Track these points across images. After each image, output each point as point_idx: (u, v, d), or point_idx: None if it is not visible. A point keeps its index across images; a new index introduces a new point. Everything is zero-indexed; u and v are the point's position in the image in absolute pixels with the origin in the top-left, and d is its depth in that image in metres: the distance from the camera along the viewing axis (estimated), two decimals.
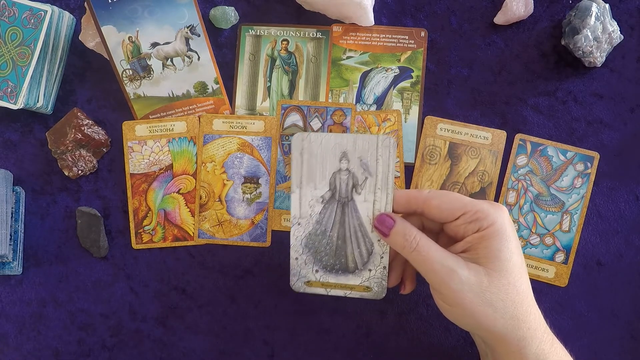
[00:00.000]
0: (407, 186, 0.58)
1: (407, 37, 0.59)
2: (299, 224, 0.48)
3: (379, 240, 0.47)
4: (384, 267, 0.48)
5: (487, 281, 0.42)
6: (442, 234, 0.48)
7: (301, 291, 0.49)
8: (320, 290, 0.49)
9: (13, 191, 0.58)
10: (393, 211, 0.47)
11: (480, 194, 0.58)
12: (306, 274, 0.49)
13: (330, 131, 0.58)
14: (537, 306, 0.45)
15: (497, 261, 0.43)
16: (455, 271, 0.42)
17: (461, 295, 0.42)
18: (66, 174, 0.58)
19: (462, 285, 0.42)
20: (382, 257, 0.48)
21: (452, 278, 0.42)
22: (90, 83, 0.60)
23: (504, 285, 0.42)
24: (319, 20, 0.59)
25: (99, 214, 0.58)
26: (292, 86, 0.59)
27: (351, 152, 0.46)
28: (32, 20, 0.54)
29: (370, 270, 0.48)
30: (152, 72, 0.58)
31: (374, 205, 0.46)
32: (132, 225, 0.58)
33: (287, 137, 0.58)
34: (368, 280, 0.48)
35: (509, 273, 0.43)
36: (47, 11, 0.54)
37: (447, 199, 0.45)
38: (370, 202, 0.46)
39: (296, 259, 0.49)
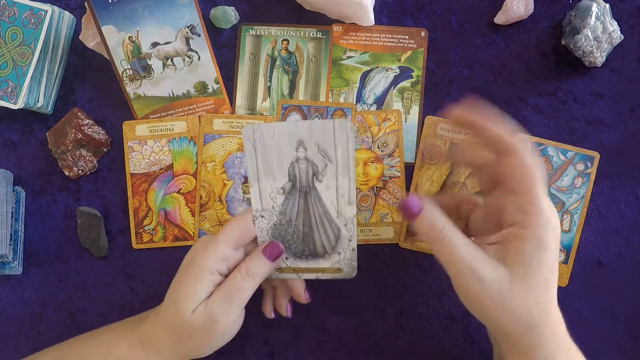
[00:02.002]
0: (407, 186, 0.58)
1: (407, 37, 0.59)
2: (262, 217, 0.47)
3: (345, 225, 0.47)
4: (353, 249, 0.48)
5: (507, 286, 0.40)
6: (476, 211, 0.46)
7: (273, 277, 0.49)
8: (292, 276, 0.49)
9: (13, 191, 0.58)
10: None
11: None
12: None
13: None
14: (559, 313, 0.43)
15: (523, 268, 0.40)
16: (476, 271, 0.40)
17: (478, 295, 0.41)
18: (66, 173, 0.58)
19: (481, 286, 0.40)
20: (350, 241, 0.47)
21: (471, 278, 0.40)
22: (91, 83, 0.60)
23: (524, 293, 0.40)
24: (319, 20, 0.59)
25: (99, 214, 0.58)
26: (293, 86, 0.59)
27: (307, 140, 0.44)
28: (33, 20, 0.54)
29: (339, 253, 0.47)
30: (152, 72, 0.58)
31: (337, 191, 0.45)
32: (132, 225, 0.58)
33: None
34: (338, 262, 0.48)
35: (532, 283, 0.40)
36: (47, 11, 0.54)
37: (528, 161, 0.41)
38: (333, 189, 0.45)
39: None
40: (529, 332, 0.41)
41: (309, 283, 0.51)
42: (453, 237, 0.42)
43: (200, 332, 0.46)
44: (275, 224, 0.47)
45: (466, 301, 0.42)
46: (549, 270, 0.41)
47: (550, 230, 0.40)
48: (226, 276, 0.47)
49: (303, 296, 0.51)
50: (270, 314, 0.53)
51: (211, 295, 0.46)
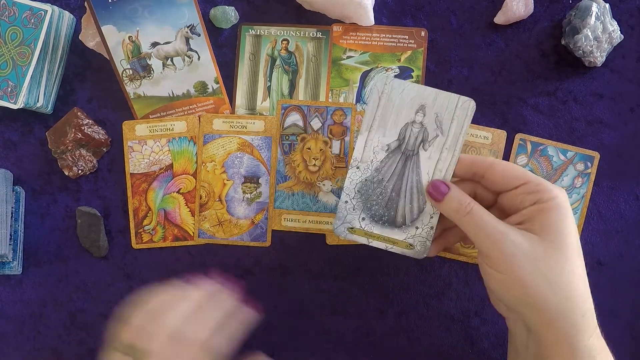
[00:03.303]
0: None
1: (407, 37, 0.59)
2: (357, 168, 0.47)
3: None
4: (431, 228, 0.47)
5: (542, 251, 0.40)
6: (494, 207, 0.46)
7: (342, 237, 0.48)
8: (362, 239, 0.47)
9: (13, 191, 0.58)
10: (454, 175, 0.46)
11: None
12: (351, 220, 0.47)
13: (331, 131, 0.58)
14: (591, 298, 0.42)
15: (556, 234, 0.40)
16: (508, 235, 0.40)
17: (513, 260, 0.40)
18: (66, 173, 0.58)
19: (514, 249, 0.40)
20: (431, 217, 0.47)
21: (504, 241, 0.40)
22: (90, 83, 0.60)
23: (560, 260, 0.40)
24: (319, 20, 0.59)
25: (99, 214, 0.58)
26: (292, 86, 0.59)
27: (429, 107, 0.45)
28: (32, 20, 0.54)
29: (417, 228, 0.47)
30: (152, 72, 0.58)
31: (437, 164, 0.46)
32: (132, 225, 0.58)
33: (287, 137, 0.58)
34: (413, 238, 0.47)
35: (567, 249, 0.40)
36: (47, 11, 0.54)
37: (511, 167, 0.44)
38: (434, 160, 0.46)
39: (346, 202, 0.47)
40: (571, 306, 0.40)
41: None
42: (480, 209, 0.42)
43: None
44: (366, 179, 0.47)
45: (498, 273, 0.41)
46: (577, 239, 0.41)
47: (567, 200, 0.42)
48: None
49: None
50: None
51: None
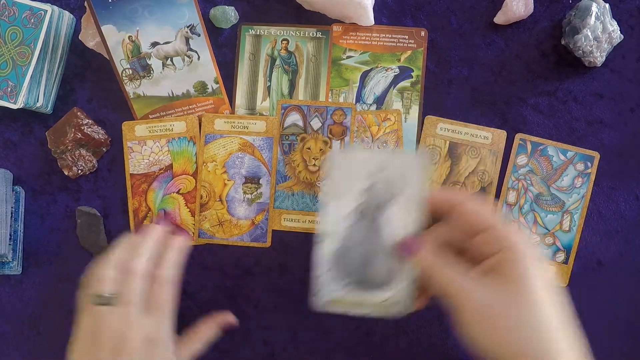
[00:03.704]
0: None
1: (407, 37, 0.59)
2: (327, 240, 0.47)
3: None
4: (410, 282, 0.46)
5: (503, 306, 0.39)
6: (466, 254, 0.45)
7: (322, 310, 0.47)
8: (343, 309, 0.47)
9: (13, 191, 0.58)
10: (428, 213, 0.46)
11: (481, 194, 0.58)
12: (331, 292, 0.47)
13: (331, 131, 0.58)
14: (567, 337, 0.40)
15: (518, 284, 0.40)
16: (470, 293, 0.40)
17: (474, 318, 0.40)
18: (66, 173, 0.58)
19: (478, 304, 0.40)
20: (408, 273, 0.46)
21: (468, 299, 0.40)
22: (90, 82, 0.60)
23: (521, 313, 0.39)
24: (319, 20, 0.59)
25: (99, 214, 0.58)
26: (292, 86, 0.59)
27: (384, 169, 0.45)
28: (32, 20, 0.54)
29: (396, 285, 0.46)
30: (152, 72, 0.58)
31: (402, 221, 0.46)
32: (132, 225, 0.58)
33: (287, 137, 0.58)
34: (394, 296, 0.46)
35: (528, 300, 0.39)
36: (47, 11, 0.54)
37: (477, 210, 0.43)
38: (399, 219, 0.46)
39: (321, 275, 0.47)
40: (536, 357, 0.39)
41: None
42: (448, 265, 0.42)
43: None
44: (338, 249, 0.47)
45: (461, 328, 0.41)
46: (544, 282, 0.40)
47: (528, 245, 0.41)
48: None
49: None
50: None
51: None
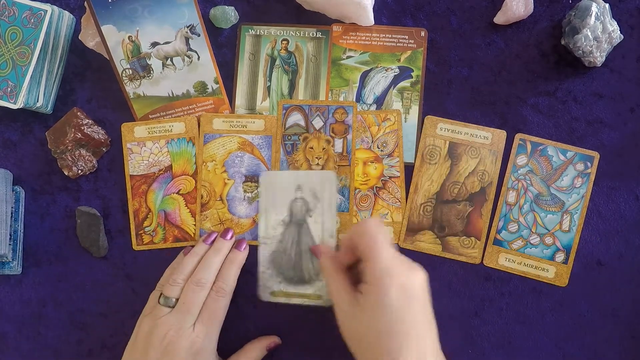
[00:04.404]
0: (407, 186, 0.58)
1: (407, 37, 0.59)
2: (265, 244, 0.55)
3: None
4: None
5: (358, 312, 0.45)
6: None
7: (266, 300, 0.55)
8: (283, 300, 0.55)
9: (13, 191, 0.58)
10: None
11: (480, 194, 0.58)
12: (271, 286, 0.55)
13: (333, 130, 0.58)
14: (418, 337, 0.45)
15: (371, 301, 0.45)
16: (342, 297, 0.47)
17: (343, 324, 0.47)
18: (66, 173, 0.58)
19: (343, 312, 0.47)
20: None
21: (339, 303, 0.47)
22: (90, 83, 0.60)
23: (371, 321, 0.44)
24: (319, 20, 0.59)
25: (99, 214, 0.58)
26: (292, 86, 0.59)
27: (304, 185, 0.55)
28: (32, 20, 0.54)
29: (321, 280, 0.55)
30: (152, 72, 0.58)
31: (322, 225, 0.55)
32: (132, 226, 0.58)
33: (289, 137, 0.58)
34: (320, 290, 0.55)
35: (375, 313, 0.44)
36: (47, 11, 0.54)
37: (364, 242, 0.47)
38: (319, 224, 0.55)
39: (263, 272, 0.55)
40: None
41: None
42: (340, 274, 0.49)
43: None
44: (273, 251, 0.55)
45: (343, 331, 0.48)
46: (400, 290, 0.45)
47: (390, 278, 0.45)
48: None
49: None
50: None
51: None
